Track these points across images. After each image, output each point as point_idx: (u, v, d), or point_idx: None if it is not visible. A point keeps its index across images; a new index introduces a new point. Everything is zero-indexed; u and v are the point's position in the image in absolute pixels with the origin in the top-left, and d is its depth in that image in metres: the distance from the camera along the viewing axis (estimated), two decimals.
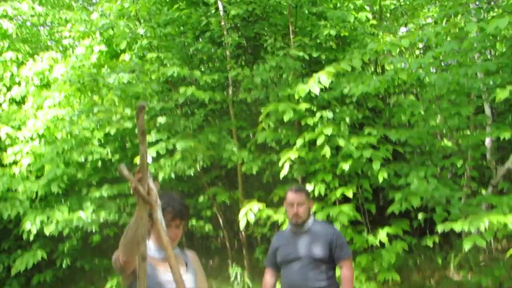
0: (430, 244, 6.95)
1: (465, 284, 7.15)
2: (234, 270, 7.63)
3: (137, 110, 2.44)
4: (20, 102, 10.69)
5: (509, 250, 5.43)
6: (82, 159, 8.47)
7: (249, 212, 6.58)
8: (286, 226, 6.09)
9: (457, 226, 5.31)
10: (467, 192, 7.33)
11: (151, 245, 3.05)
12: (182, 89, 7.60)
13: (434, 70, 7.52)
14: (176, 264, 2.71)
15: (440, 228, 5.47)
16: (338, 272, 4.45)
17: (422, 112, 6.80)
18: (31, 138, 9.31)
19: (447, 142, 9.03)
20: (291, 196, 4.40)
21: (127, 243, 2.70)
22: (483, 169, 9.20)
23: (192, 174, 8.05)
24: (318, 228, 4.42)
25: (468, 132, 7.85)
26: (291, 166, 6.83)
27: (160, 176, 7.64)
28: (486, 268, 6.56)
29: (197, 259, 3.26)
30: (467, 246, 5.41)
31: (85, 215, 7.87)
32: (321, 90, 6.66)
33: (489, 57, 8.79)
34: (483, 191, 8.14)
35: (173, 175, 7.76)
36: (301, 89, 6.64)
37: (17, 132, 9.59)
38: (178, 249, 3.06)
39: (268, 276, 4.56)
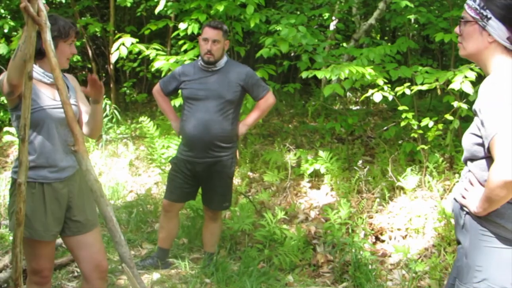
0: (291, 90, 7.34)
1: (321, 130, 7.75)
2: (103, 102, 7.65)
3: None
4: None
5: (361, 98, 5.85)
6: None
7: (122, 45, 6.48)
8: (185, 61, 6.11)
9: (320, 74, 5.54)
10: (332, 43, 7.74)
11: (38, 69, 3.06)
12: None
13: None
14: (63, 85, 2.80)
15: (304, 75, 5.68)
16: None
17: None
18: None
19: None
20: (207, 31, 4.21)
21: (17, 66, 2.71)
22: (348, 23, 9.70)
23: (64, 1, 7.72)
24: (230, 69, 4.33)
25: None
26: (166, 2, 6.75)
27: None
28: (341, 116, 7.07)
29: (75, 80, 3.33)
30: (326, 92, 5.70)
31: None
32: None
33: None
34: (345, 44, 8.62)
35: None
36: None
37: None
38: (61, 74, 3.09)
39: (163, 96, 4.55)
